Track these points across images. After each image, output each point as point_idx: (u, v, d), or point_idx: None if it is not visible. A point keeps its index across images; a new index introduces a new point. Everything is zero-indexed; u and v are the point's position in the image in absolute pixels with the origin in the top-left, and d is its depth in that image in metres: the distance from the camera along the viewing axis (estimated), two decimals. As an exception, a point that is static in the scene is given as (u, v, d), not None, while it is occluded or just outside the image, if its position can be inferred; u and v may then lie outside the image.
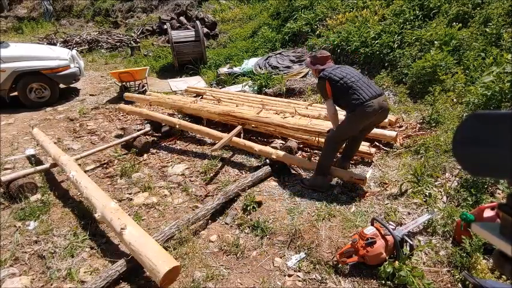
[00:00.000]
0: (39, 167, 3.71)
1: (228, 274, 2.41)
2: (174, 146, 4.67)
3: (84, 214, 3.13)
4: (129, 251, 2.37)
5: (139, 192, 3.53)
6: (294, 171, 3.70)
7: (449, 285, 2.16)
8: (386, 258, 2.23)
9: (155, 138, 4.82)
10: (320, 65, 3.23)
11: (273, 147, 4.09)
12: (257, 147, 3.80)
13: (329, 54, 3.31)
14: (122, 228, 2.41)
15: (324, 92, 3.13)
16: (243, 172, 3.80)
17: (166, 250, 2.40)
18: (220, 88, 6.93)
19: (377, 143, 4.01)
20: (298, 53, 7.11)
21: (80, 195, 3.33)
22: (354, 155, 3.59)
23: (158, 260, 2.15)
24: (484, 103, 3.61)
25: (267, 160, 3.72)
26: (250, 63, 7.37)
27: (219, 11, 11.73)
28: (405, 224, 2.60)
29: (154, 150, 4.54)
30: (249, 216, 2.97)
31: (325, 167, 3.19)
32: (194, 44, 8.36)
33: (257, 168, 3.73)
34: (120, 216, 2.55)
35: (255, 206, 3.06)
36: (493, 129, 0.56)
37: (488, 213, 2.27)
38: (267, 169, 3.59)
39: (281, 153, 3.62)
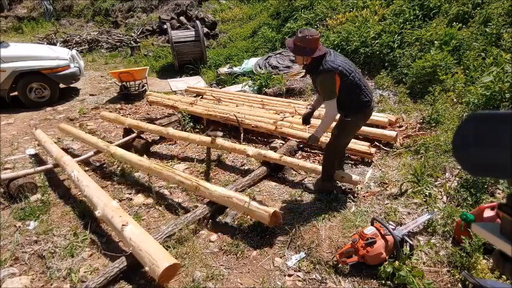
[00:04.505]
0: (39, 168, 3.72)
1: (228, 274, 2.40)
2: (174, 146, 4.67)
3: (84, 214, 3.13)
4: (129, 247, 2.37)
5: (139, 192, 3.53)
6: (294, 171, 3.70)
7: (449, 285, 2.16)
8: (387, 258, 2.23)
9: (155, 138, 4.82)
10: (311, 51, 2.59)
11: (272, 147, 4.10)
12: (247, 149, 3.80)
13: (318, 33, 2.63)
14: (123, 225, 2.43)
15: (332, 88, 2.57)
16: (243, 172, 3.81)
17: (166, 250, 2.40)
18: (220, 88, 6.93)
19: (377, 143, 4.01)
20: (298, 53, 7.09)
21: (81, 195, 3.34)
22: (345, 155, 3.57)
23: (158, 256, 2.17)
24: (483, 103, 3.61)
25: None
26: (250, 63, 7.37)
27: (219, 11, 11.72)
28: (405, 224, 2.60)
29: (154, 150, 4.54)
30: (249, 216, 2.97)
31: (331, 173, 3.15)
32: (194, 44, 8.36)
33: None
34: (121, 214, 2.58)
35: (255, 206, 3.06)
36: (493, 129, 0.56)
37: (488, 213, 2.27)
38: (264, 168, 3.60)
39: (265, 152, 3.62)
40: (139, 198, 3.39)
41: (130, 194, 3.51)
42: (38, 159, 4.34)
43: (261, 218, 2.64)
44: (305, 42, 2.57)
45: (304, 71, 2.89)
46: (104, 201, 2.75)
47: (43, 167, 3.75)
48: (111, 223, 2.54)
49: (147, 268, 2.16)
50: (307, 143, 2.88)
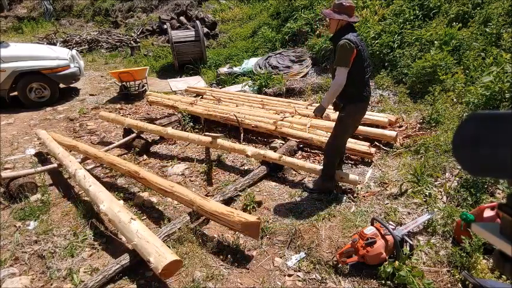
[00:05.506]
0: (40, 167, 3.72)
1: (228, 274, 2.40)
2: (174, 146, 4.67)
3: (84, 214, 3.12)
4: (131, 242, 2.37)
5: (139, 192, 3.53)
6: (294, 171, 3.70)
7: (449, 285, 2.16)
8: (386, 258, 2.23)
9: (155, 138, 4.81)
10: (347, 16, 2.73)
11: (272, 147, 4.10)
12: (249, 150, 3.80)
13: (353, 3, 2.81)
14: (131, 218, 2.47)
15: (348, 57, 2.65)
16: (243, 172, 3.81)
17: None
18: (220, 88, 6.93)
19: (377, 143, 4.01)
20: (298, 53, 7.10)
21: (83, 194, 3.36)
22: (344, 155, 3.57)
23: (165, 249, 2.20)
24: (483, 103, 3.61)
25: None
26: (250, 63, 7.37)
27: (219, 11, 11.72)
28: (405, 224, 2.60)
29: (154, 150, 4.54)
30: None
31: (331, 173, 3.16)
32: (194, 44, 8.36)
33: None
34: (128, 211, 2.64)
35: (255, 206, 3.06)
36: (493, 129, 0.56)
37: (488, 213, 2.27)
38: (263, 167, 3.60)
39: (265, 152, 3.61)
40: (139, 199, 3.39)
41: (130, 194, 3.51)
42: (42, 159, 4.33)
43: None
44: (342, 8, 2.73)
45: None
46: (110, 198, 2.80)
47: (45, 167, 3.77)
48: (117, 216, 2.54)
49: (151, 258, 2.15)
50: (314, 114, 2.96)
